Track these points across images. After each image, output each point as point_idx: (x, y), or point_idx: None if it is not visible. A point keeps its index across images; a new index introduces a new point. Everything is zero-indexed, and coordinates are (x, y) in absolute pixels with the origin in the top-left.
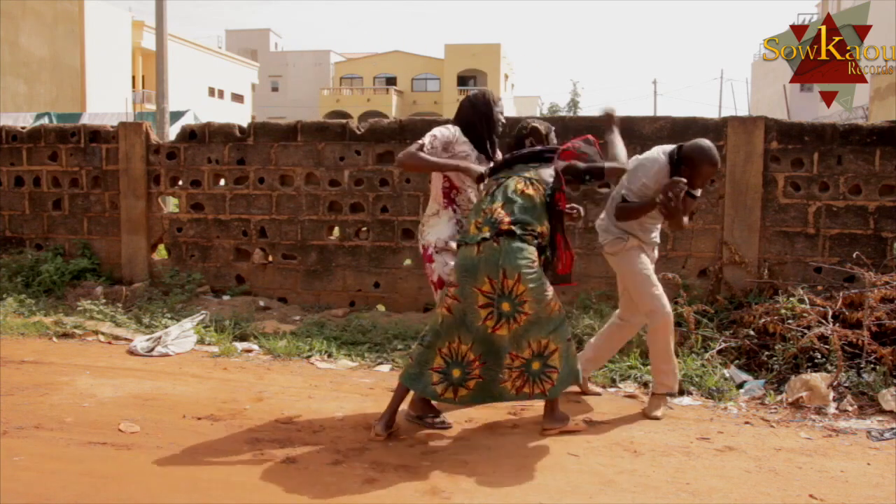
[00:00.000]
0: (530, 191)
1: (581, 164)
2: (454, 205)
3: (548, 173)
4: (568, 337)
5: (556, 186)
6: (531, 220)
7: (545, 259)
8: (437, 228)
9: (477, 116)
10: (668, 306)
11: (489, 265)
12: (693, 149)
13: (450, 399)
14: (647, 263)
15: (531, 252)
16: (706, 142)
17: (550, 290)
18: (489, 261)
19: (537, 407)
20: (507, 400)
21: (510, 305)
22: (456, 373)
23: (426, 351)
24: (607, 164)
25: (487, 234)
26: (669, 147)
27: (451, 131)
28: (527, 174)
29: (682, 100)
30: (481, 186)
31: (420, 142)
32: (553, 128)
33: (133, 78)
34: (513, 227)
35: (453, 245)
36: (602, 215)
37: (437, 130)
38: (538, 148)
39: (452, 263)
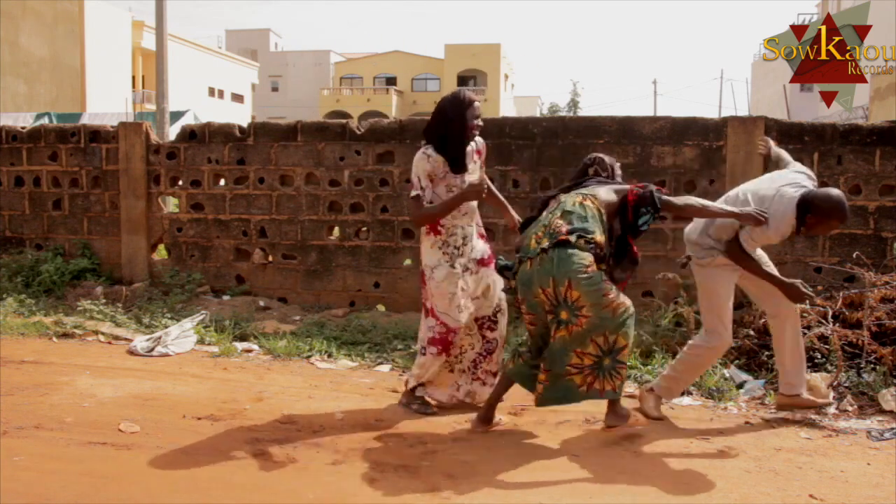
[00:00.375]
0: (587, 202)
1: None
2: (438, 226)
3: (603, 192)
4: (633, 332)
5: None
6: (589, 228)
7: (608, 265)
8: (427, 253)
9: (448, 122)
10: (730, 335)
11: (541, 276)
12: (824, 200)
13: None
14: (730, 285)
15: (583, 257)
16: (837, 194)
17: (612, 292)
18: (541, 271)
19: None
20: (576, 400)
21: (568, 313)
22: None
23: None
24: (678, 200)
25: (546, 245)
26: (797, 193)
27: (424, 160)
28: (582, 191)
29: (682, 100)
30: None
31: (415, 192)
32: (618, 163)
33: (133, 78)
34: (569, 237)
35: (439, 273)
36: (693, 226)
37: (416, 167)
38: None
39: (441, 288)
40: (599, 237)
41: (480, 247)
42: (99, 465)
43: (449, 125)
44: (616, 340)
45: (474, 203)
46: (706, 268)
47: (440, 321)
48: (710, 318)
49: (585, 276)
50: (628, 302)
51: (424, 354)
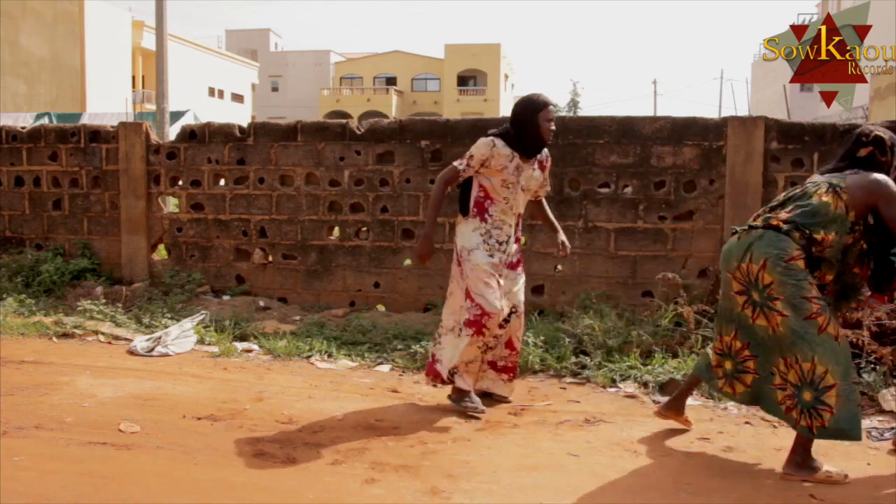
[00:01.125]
0: (827, 198)
1: None
2: (486, 214)
3: (856, 182)
4: (851, 378)
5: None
6: (811, 223)
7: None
8: (464, 236)
9: (517, 121)
10: None
11: (740, 248)
12: None
13: (729, 394)
14: None
15: (789, 245)
16: None
17: (819, 305)
18: (742, 245)
19: (537, 407)
20: (773, 414)
21: (759, 295)
22: (728, 364)
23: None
24: None
25: (756, 223)
26: None
27: (488, 147)
28: (835, 180)
29: (682, 100)
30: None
31: (460, 164)
32: None
33: (133, 78)
34: (782, 224)
35: (478, 255)
36: None
37: (475, 148)
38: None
39: (477, 271)
40: (821, 236)
41: (514, 250)
42: (99, 465)
43: (520, 124)
44: (824, 375)
45: (521, 206)
46: None
47: (476, 302)
48: None
49: (783, 264)
50: (843, 339)
51: (459, 336)
